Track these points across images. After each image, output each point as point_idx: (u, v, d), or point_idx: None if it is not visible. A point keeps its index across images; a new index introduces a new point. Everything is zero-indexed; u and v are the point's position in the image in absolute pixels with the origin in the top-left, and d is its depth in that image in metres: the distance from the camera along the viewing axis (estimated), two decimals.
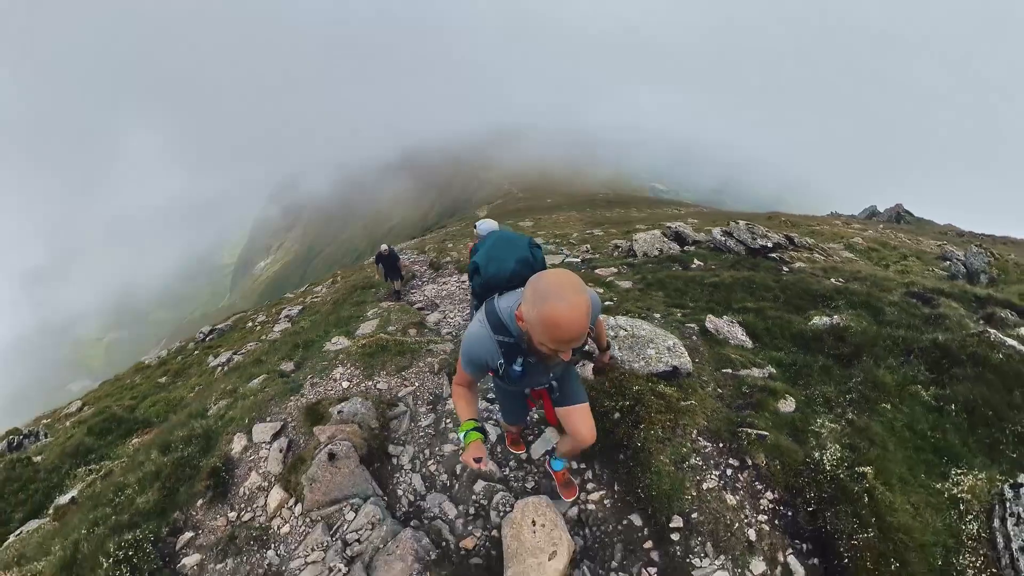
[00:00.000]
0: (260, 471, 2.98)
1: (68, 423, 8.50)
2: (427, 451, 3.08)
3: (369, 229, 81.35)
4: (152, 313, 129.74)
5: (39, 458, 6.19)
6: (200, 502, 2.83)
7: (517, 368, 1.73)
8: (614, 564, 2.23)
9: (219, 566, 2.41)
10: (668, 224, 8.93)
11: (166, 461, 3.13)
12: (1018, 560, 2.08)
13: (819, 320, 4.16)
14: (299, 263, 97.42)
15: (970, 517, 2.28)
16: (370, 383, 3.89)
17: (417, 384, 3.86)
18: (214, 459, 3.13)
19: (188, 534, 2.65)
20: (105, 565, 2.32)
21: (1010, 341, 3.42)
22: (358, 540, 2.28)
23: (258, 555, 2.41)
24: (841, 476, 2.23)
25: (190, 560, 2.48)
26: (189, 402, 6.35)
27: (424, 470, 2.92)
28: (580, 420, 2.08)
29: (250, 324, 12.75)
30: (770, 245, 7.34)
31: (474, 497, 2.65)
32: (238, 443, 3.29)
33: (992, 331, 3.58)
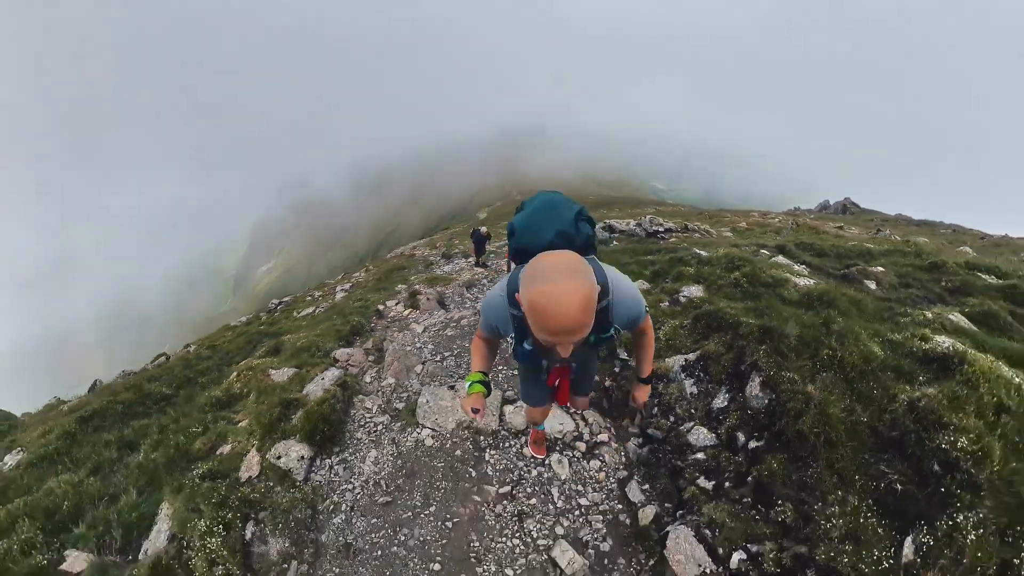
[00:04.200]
0: (394, 311, 8.06)
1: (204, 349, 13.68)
2: (459, 306, 8.16)
3: (374, 232, 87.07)
4: (153, 319, 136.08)
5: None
6: (374, 318, 7.91)
7: (527, 347, 1.78)
8: None
9: (392, 328, 7.46)
10: (606, 220, 13.98)
11: (356, 306, 8.24)
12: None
13: (639, 258, 9.16)
14: (301, 267, 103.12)
15: None
16: (432, 289, 9.02)
17: (452, 290, 8.98)
18: (373, 309, 8.23)
19: (374, 322, 7.72)
20: (353, 321, 7.38)
21: (704, 253, 8.34)
22: (437, 317, 7.36)
23: (402, 323, 7.46)
24: None
25: (377, 327, 7.55)
26: (312, 321, 11.47)
27: (457, 309, 8.00)
28: (579, 407, 2.70)
29: (309, 298, 17.78)
30: (662, 230, 12.36)
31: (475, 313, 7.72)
32: (380, 307, 8.39)
33: (697, 250, 8.53)
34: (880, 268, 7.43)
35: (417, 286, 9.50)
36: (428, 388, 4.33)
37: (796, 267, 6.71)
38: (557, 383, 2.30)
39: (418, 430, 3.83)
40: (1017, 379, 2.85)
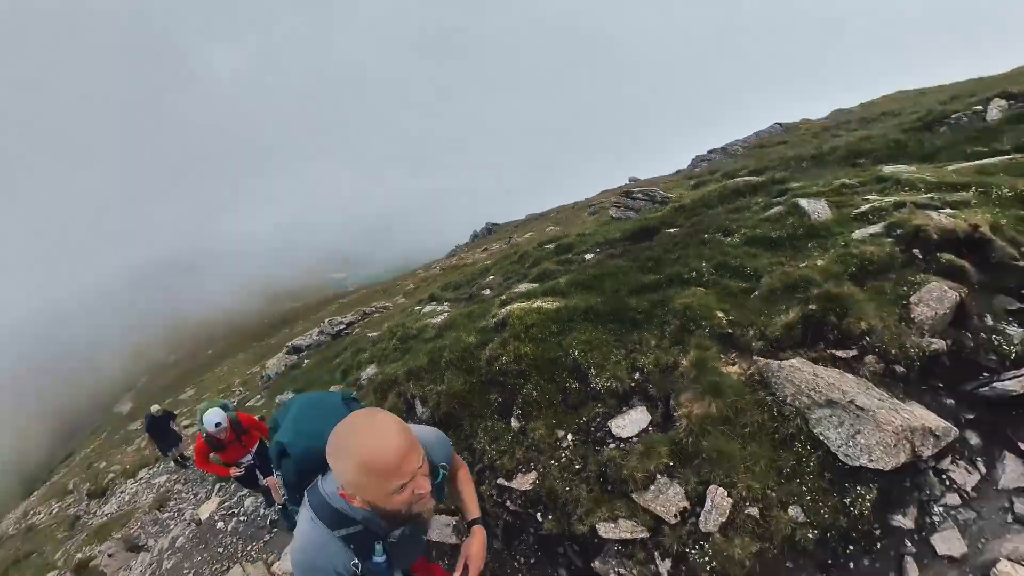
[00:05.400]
0: None
1: None
2: (162, 533, 7.17)
3: None
4: None
5: None
6: None
7: (379, 559, 1.56)
8: None
9: None
10: (289, 343, 14.45)
11: None
12: None
13: (329, 364, 10.33)
14: None
15: None
16: (108, 543, 7.45)
17: (138, 525, 7.70)
18: None
19: None
20: None
21: (374, 334, 10.31)
22: (141, 562, 6.41)
23: None
24: None
25: None
26: None
27: (161, 538, 7.04)
28: None
29: None
30: (344, 326, 13.87)
31: None
32: None
33: (370, 333, 10.47)
34: (492, 277, 11.02)
35: (79, 555, 7.65)
36: None
37: (439, 308, 9.32)
38: None
39: None
40: (542, 304, 5.47)
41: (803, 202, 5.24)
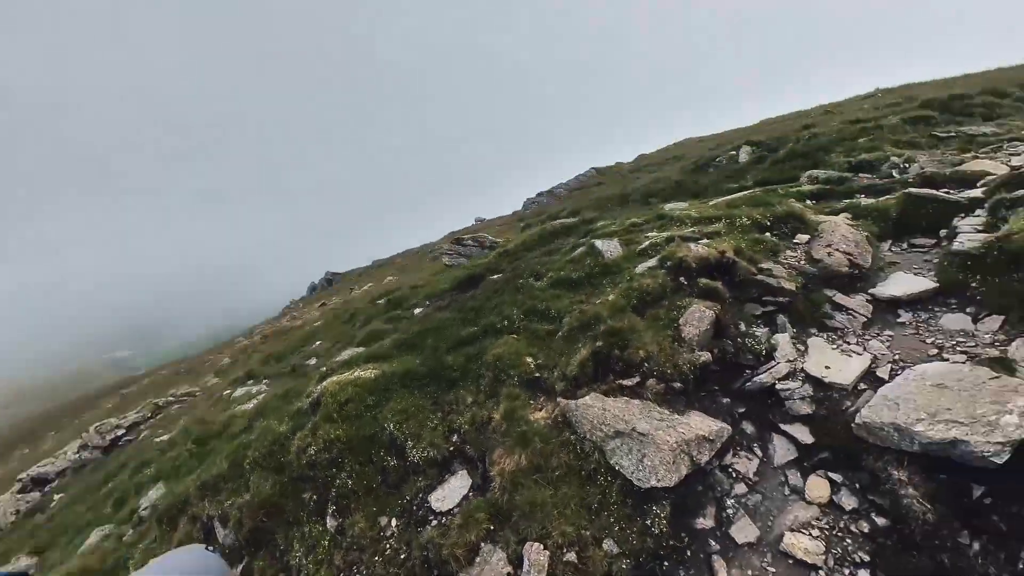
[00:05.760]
0: None
1: None
2: None
3: None
4: None
5: None
6: None
7: None
8: None
9: None
10: (26, 472, 11.33)
11: None
12: None
13: (98, 494, 8.41)
14: None
15: None
16: None
17: None
18: None
19: None
20: None
21: (166, 437, 8.79)
22: None
23: None
24: None
25: None
26: None
27: None
28: None
29: None
30: (123, 432, 11.47)
31: None
32: None
33: (159, 439, 8.92)
34: (319, 343, 10.28)
35: None
36: None
37: (255, 389, 8.31)
38: None
39: None
40: (361, 374, 5.17)
41: (598, 243, 6.01)
